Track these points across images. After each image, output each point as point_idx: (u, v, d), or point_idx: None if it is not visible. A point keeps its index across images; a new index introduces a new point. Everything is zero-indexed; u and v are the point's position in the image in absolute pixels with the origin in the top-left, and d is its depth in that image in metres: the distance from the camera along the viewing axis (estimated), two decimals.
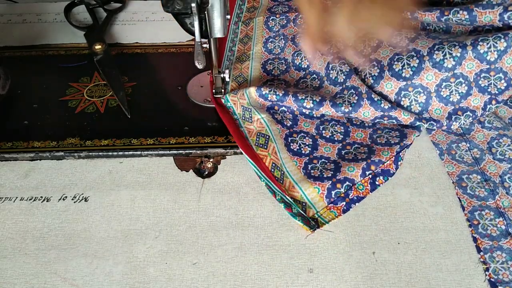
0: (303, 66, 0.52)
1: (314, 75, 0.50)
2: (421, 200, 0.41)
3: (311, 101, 0.45)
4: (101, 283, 0.35)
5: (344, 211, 0.40)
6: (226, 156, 0.45)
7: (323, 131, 0.46)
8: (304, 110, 0.47)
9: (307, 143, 0.45)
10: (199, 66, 0.44)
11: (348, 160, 0.43)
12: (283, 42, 0.55)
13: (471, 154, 0.44)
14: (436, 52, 0.43)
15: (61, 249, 0.38)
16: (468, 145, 0.45)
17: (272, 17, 0.59)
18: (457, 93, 0.43)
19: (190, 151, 0.45)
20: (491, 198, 0.41)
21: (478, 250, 0.37)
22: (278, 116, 0.46)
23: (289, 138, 0.45)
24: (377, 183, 0.42)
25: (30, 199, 0.41)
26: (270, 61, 0.54)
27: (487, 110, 0.44)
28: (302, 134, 0.46)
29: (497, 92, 0.43)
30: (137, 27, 0.63)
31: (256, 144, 0.44)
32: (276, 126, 0.45)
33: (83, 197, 0.41)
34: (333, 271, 0.36)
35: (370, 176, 0.42)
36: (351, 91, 0.45)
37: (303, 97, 0.45)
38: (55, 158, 0.45)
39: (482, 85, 0.43)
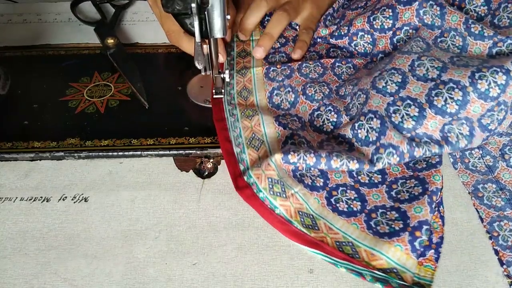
0: (325, 130, 0.46)
1: (340, 138, 0.44)
2: None
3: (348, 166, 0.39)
4: (101, 284, 0.35)
5: (437, 260, 0.36)
6: None
7: (359, 177, 0.42)
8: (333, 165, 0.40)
9: (352, 197, 0.40)
10: (199, 66, 0.44)
11: (406, 200, 0.39)
12: (292, 96, 0.48)
13: (484, 162, 0.44)
14: (480, 81, 0.39)
15: (61, 250, 0.37)
16: (481, 152, 0.45)
17: (272, 68, 0.52)
18: (497, 121, 0.41)
19: (190, 152, 0.45)
20: (509, 208, 0.40)
21: (501, 263, 0.37)
22: (307, 180, 0.41)
23: (332, 199, 0.40)
24: (441, 214, 0.39)
25: (30, 199, 0.41)
26: (281, 117, 0.46)
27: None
28: (341, 188, 0.41)
29: None
30: (137, 27, 0.63)
31: (304, 226, 0.38)
32: (312, 196, 0.40)
33: (83, 197, 0.41)
34: (333, 272, 0.36)
35: (436, 208, 0.39)
36: (389, 149, 0.39)
37: (338, 166, 0.39)
38: (55, 158, 0.45)
39: None
